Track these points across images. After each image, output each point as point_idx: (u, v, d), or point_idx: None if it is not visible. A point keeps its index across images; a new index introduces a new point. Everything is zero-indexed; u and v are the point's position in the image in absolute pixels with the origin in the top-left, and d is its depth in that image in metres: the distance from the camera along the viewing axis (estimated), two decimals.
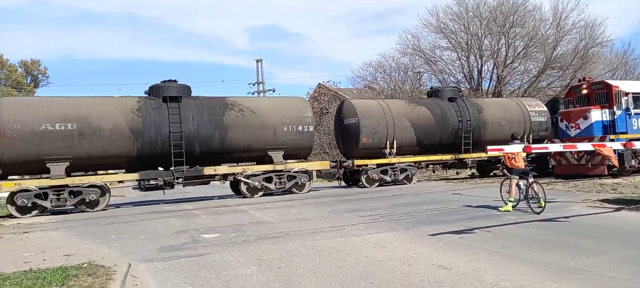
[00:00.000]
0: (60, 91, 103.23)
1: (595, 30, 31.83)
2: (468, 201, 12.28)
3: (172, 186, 18.37)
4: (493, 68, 32.99)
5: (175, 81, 16.28)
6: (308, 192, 17.03)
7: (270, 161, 16.70)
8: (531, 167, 10.72)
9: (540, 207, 9.77)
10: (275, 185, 16.64)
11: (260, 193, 16.52)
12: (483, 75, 33.42)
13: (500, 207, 10.48)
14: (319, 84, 41.75)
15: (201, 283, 5.77)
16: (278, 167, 16.64)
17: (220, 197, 17.81)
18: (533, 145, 8.89)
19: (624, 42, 43.77)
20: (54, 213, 14.15)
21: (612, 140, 15.66)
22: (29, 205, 13.48)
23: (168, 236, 9.04)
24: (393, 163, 18.60)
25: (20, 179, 14.37)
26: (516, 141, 11.15)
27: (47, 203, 13.72)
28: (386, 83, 35.83)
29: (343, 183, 19.94)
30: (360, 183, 18.28)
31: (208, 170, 16.11)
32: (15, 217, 13.32)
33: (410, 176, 18.90)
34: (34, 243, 8.85)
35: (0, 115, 13.56)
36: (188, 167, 15.54)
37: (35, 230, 10.74)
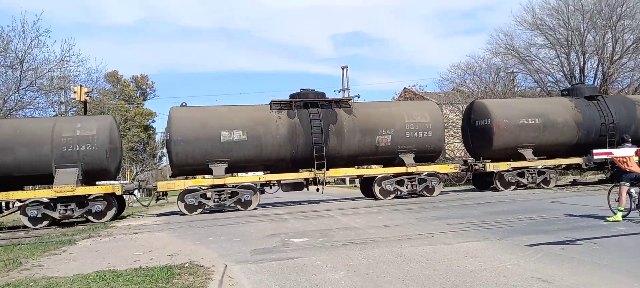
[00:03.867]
0: (163, 102, 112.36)
1: None
2: (570, 210, 11.34)
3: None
4: (598, 65, 30.15)
5: (583, 82, 21.73)
6: None
7: None
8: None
9: None
10: None
11: None
12: (586, 74, 30.66)
13: (608, 216, 9.54)
14: (405, 88, 41.16)
15: (292, 285, 5.95)
16: None
17: (309, 202, 18.22)
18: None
19: None
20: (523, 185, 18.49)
21: None
22: (512, 181, 18.35)
23: (260, 239, 9.45)
24: None
25: (509, 162, 18.66)
26: (627, 144, 10.09)
27: (524, 180, 18.37)
28: (475, 85, 34.29)
29: None
30: None
31: None
32: (500, 190, 18.14)
33: None
34: (143, 243, 9.72)
35: (493, 113, 18.51)
36: None
37: (144, 231, 11.79)
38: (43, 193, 14.67)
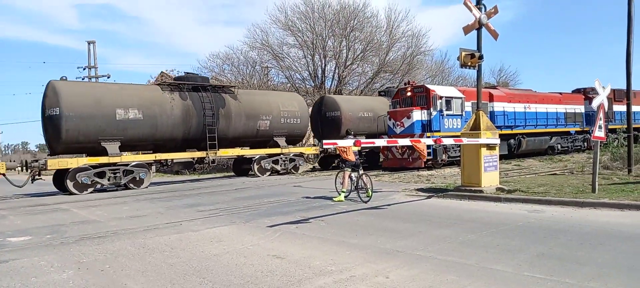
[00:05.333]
0: None
1: (420, 40, 36.16)
2: (307, 193, 12.86)
3: None
4: (335, 68, 35.03)
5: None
6: None
7: None
8: (362, 160, 11.70)
9: (368, 196, 10.71)
10: None
11: None
12: (326, 75, 35.27)
13: (335, 197, 11.21)
14: (162, 72, 39.41)
15: None
16: None
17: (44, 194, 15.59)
18: (362, 140, 9.68)
19: (442, 52, 50.71)
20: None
21: (429, 138, 17.89)
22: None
23: None
24: None
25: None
26: (350, 136, 12.02)
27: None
28: (234, 76, 35.46)
29: None
30: None
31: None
32: None
33: None
34: None
35: (341, 106, 22.39)
36: None
37: None
38: None
